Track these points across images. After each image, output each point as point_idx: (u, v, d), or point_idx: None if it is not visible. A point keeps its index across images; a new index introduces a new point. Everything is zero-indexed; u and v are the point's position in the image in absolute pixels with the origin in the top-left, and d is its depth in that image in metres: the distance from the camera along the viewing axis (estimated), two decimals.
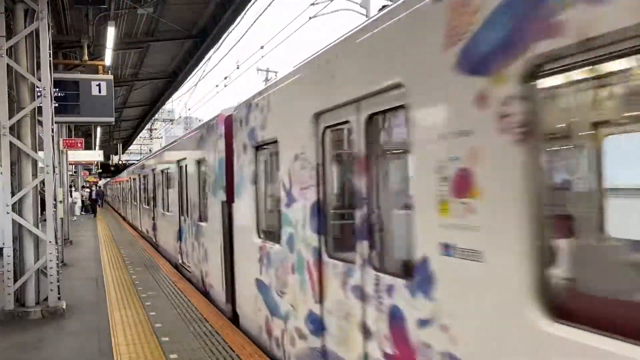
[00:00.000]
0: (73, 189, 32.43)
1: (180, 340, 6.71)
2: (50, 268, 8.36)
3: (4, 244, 8.29)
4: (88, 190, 42.00)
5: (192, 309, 8.38)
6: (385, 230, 3.92)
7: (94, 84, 11.81)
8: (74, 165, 30.11)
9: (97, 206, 37.25)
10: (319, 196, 4.66)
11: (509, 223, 2.56)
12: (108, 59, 13.71)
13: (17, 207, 8.34)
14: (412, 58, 3.34)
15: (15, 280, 8.25)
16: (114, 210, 42.78)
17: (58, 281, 8.48)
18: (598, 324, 2.22)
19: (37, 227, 8.50)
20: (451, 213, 2.96)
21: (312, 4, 13.65)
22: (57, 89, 10.76)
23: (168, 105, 42.26)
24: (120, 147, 45.94)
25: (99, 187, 52.70)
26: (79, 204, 35.61)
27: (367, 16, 14.89)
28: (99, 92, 11.78)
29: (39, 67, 8.44)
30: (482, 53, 2.73)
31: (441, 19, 3.02)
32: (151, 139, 61.89)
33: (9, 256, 8.17)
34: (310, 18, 13.89)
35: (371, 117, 3.91)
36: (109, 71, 14.38)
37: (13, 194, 8.26)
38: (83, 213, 36.63)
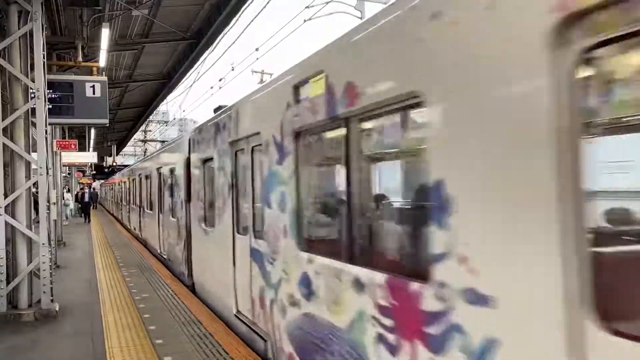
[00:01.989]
0: (65, 190, 31.96)
1: (174, 343, 6.69)
2: (43, 270, 8.32)
3: None
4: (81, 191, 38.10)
5: (186, 311, 8.35)
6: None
7: (88, 85, 11.77)
8: (67, 167, 29.97)
9: (92, 209, 33.91)
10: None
11: None
12: (102, 61, 13.67)
13: (10, 209, 8.29)
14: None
15: (7, 283, 8.21)
16: (111, 214, 40.57)
17: (51, 283, 8.44)
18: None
19: (30, 229, 8.46)
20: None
21: (307, 7, 13.66)
22: (50, 90, 10.72)
23: (162, 107, 42.18)
24: (114, 148, 45.79)
25: (93, 188, 52.40)
26: (72, 206, 33.10)
27: (361, 18, 14.92)
28: (93, 93, 11.73)
29: (32, 69, 8.41)
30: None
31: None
32: (145, 141, 61.71)
33: (1, 258, 8.12)
34: (305, 21, 13.91)
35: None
36: (103, 72, 14.34)
37: (6, 196, 8.21)
38: (77, 214, 34.21)
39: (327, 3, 13.98)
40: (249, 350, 6.26)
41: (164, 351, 6.37)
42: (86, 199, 32.29)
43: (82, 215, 32.35)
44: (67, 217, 28.52)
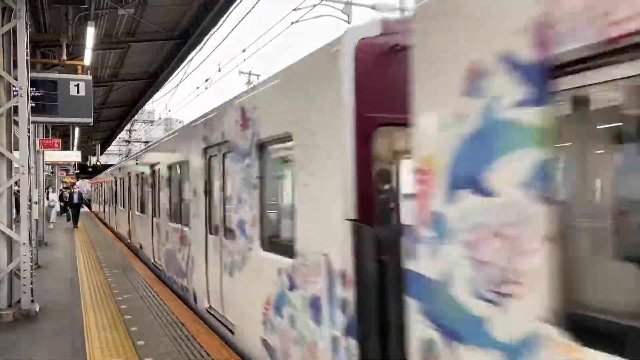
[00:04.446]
0: (50, 189, 31.24)
1: (156, 344, 6.66)
2: (24, 270, 8.23)
3: None
4: (67, 191, 34.69)
5: (168, 312, 8.31)
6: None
7: (72, 84, 11.65)
8: (50, 166, 29.56)
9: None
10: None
11: None
12: (87, 59, 13.55)
13: None
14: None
15: None
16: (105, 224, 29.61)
17: (31, 283, 8.35)
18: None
19: (11, 229, 8.36)
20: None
21: (295, 9, 13.68)
22: (34, 89, 10.60)
23: (148, 106, 41.89)
24: (98, 148, 45.38)
25: (78, 189, 51.66)
26: (57, 207, 29.56)
27: (348, 22, 14.98)
28: (78, 92, 11.62)
29: (15, 66, 8.33)
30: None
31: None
32: (130, 140, 61.29)
33: None
34: (292, 23, 13.92)
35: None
36: (88, 71, 14.22)
37: None
38: (63, 215, 31.90)
39: (315, 6, 14.02)
40: (231, 352, 6.25)
41: (145, 352, 6.33)
42: (75, 199, 27.55)
43: (70, 219, 27.97)
44: (52, 221, 26.09)
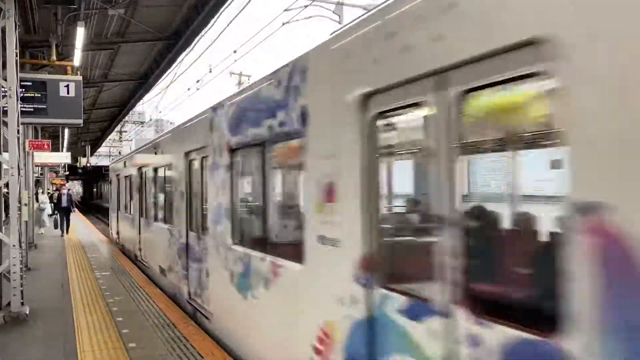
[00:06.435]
0: (40, 191, 30.83)
1: (147, 347, 6.62)
2: (14, 272, 8.15)
3: None
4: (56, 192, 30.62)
5: (160, 314, 8.27)
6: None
7: (62, 84, 11.60)
8: (40, 167, 29.34)
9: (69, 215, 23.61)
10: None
11: None
12: (77, 60, 13.47)
13: None
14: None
15: None
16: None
17: (21, 286, 8.28)
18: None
19: (0, 231, 8.29)
20: None
21: (286, 10, 13.69)
22: (23, 89, 10.53)
23: (139, 108, 41.68)
24: (88, 149, 45.10)
25: (68, 190, 51.18)
26: (49, 210, 26.07)
27: (339, 23, 15.00)
28: (67, 93, 11.57)
29: (4, 67, 8.26)
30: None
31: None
32: (121, 141, 60.98)
33: None
34: (283, 24, 13.93)
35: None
36: (78, 72, 14.13)
37: None
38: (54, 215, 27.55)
39: (306, 7, 14.03)
40: (224, 354, 6.23)
41: (137, 355, 6.30)
42: (64, 202, 23.11)
43: (58, 225, 23.55)
44: (41, 226, 23.35)
